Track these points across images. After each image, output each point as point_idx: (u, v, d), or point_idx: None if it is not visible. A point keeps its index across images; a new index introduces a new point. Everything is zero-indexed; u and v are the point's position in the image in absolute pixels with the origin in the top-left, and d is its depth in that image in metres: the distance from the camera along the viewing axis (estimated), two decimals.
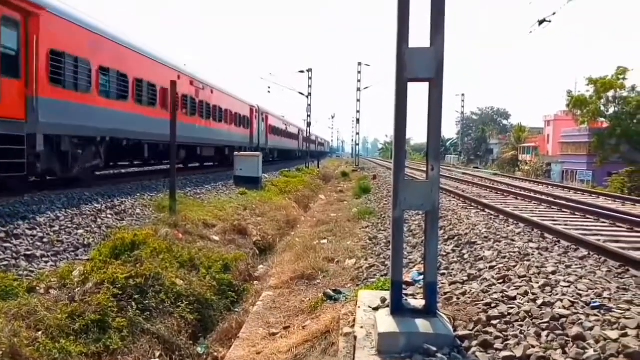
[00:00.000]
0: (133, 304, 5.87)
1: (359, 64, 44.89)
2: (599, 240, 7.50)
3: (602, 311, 4.05)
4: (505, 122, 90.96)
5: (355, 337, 4.17)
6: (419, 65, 3.98)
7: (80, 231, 8.39)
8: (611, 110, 39.51)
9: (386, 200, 15.50)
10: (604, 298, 4.41)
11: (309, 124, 45.54)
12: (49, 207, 9.12)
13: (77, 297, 5.59)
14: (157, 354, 5.55)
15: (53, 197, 9.87)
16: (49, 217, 8.48)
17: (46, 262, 6.94)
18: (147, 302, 6.07)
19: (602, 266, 6.05)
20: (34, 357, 4.45)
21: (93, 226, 8.89)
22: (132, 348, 5.36)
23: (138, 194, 12.35)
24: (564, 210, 11.97)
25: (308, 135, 47.67)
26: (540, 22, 21.59)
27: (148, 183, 14.45)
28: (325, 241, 10.51)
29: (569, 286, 4.78)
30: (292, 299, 7.04)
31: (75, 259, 7.28)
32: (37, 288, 5.82)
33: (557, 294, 4.53)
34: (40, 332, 4.83)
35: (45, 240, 7.54)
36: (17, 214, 8.15)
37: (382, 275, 6.69)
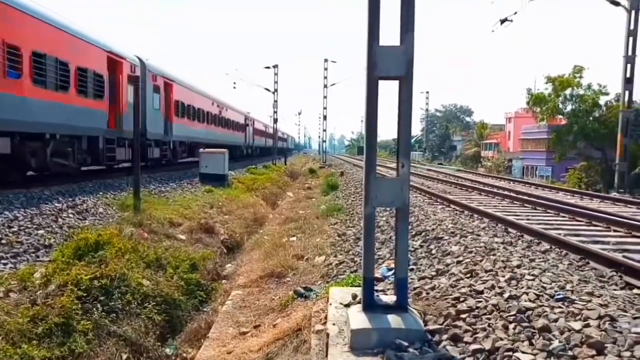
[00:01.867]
0: (98, 305, 5.73)
1: (326, 60, 45.04)
2: (559, 234, 7.76)
3: (565, 303, 4.18)
4: (468, 119, 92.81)
5: (327, 334, 4.18)
6: (390, 64, 4.00)
7: (41, 231, 8.10)
8: (569, 107, 40.75)
9: (354, 197, 15.60)
10: (567, 290, 4.56)
11: (275, 120, 45.39)
12: (6, 206, 8.77)
13: (39, 300, 5.40)
14: (124, 356, 5.43)
15: (11, 197, 9.50)
16: (7, 217, 8.16)
17: (5, 264, 6.67)
18: (112, 303, 5.93)
19: (563, 259, 6.27)
20: None
21: (54, 226, 8.60)
22: (98, 351, 5.23)
23: (100, 193, 12.02)
24: (525, 205, 12.32)
25: (275, 131, 47.49)
26: (502, 21, 22.14)
27: (110, 181, 14.07)
28: (294, 238, 10.49)
29: (533, 279, 4.91)
30: (262, 298, 7.01)
31: (36, 261, 7.02)
32: None
33: (522, 287, 4.66)
34: (0, 338, 4.64)
35: (3, 241, 7.25)
36: None
37: (352, 272, 6.72)
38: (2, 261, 6.73)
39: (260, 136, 51.70)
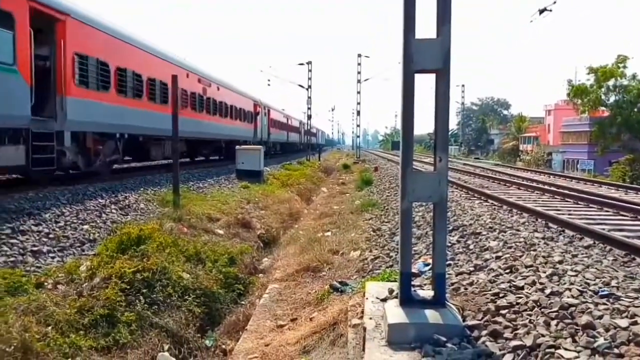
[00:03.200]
0: (141, 298, 5.90)
1: (359, 55, 44.77)
2: (603, 229, 7.52)
3: (610, 300, 4.06)
4: (505, 112, 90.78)
5: (364, 329, 4.19)
6: (426, 57, 3.96)
7: (86, 226, 8.41)
8: (612, 99, 39.40)
9: (388, 192, 15.53)
10: (612, 287, 4.43)
11: (309, 117, 45.55)
12: (53, 202, 9.12)
13: (85, 292, 5.61)
14: (166, 347, 5.58)
15: (57, 193, 9.87)
16: (54, 213, 8.49)
17: (53, 257, 6.96)
18: (154, 296, 6.10)
19: (607, 255, 6.08)
20: (45, 352, 4.47)
21: (98, 221, 8.90)
22: (141, 342, 5.38)
23: (141, 189, 12.36)
24: (567, 199, 11.99)
25: (309, 127, 47.64)
26: (541, 11, 21.50)
27: (151, 177, 14.45)
28: (329, 233, 10.53)
29: (576, 275, 4.79)
30: (298, 291, 7.07)
31: (81, 254, 7.30)
32: (45, 283, 5.83)
33: (565, 283, 4.54)
34: (50, 327, 4.84)
35: (51, 235, 7.56)
36: (23, 210, 8.16)
37: (387, 267, 6.71)
38: (50, 255, 7.02)
39: (279, 129, 41.66)
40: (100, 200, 10.15)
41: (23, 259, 6.56)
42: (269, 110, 36.75)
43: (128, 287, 5.91)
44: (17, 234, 7.15)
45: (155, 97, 15.75)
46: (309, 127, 48.69)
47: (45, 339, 4.61)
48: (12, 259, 6.42)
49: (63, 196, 9.76)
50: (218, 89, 23.07)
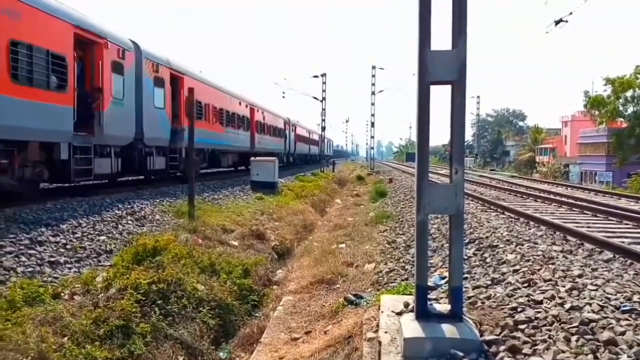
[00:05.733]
0: (156, 309, 5.90)
1: (373, 67, 44.95)
2: (623, 242, 7.37)
3: (633, 315, 3.97)
4: (521, 123, 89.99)
5: (379, 342, 4.14)
6: (442, 68, 3.95)
7: (102, 237, 8.48)
8: (630, 109, 38.89)
9: (403, 204, 15.44)
10: (634, 302, 4.32)
11: (323, 128, 45.68)
12: (70, 214, 9.23)
13: (101, 303, 5.64)
14: (180, 359, 5.58)
15: (75, 204, 10.00)
16: (71, 224, 8.58)
17: (70, 268, 7.02)
18: (169, 307, 6.10)
19: (628, 269, 5.94)
20: None
21: (114, 232, 8.98)
22: (156, 353, 5.39)
23: (157, 200, 12.46)
24: (585, 212, 11.79)
25: (322, 138, 47.76)
26: (557, 22, 21.40)
27: (166, 189, 14.57)
28: (343, 245, 10.48)
29: (596, 289, 4.70)
30: (313, 304, 7.02)
31: (98, 265, 7.36)
32: (62, 294, 5.88)
33: (585, 298, 4.45)
34: (66, 338, 4.87)
35: (68, 246, 7.64)
36: (41, 221, 8.27)
37: (402, 280, 6.65)
38: (67, 265, 7.08)
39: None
40: (116, 212, 10.25)
41: (41, 269, 6.63)
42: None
43: (143, 298, 5.93)
44: (35, 245, 7.24)
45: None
46: (322, 138, 48.86)
47: (62, 350, 4.64)
48: (30, 269, 6.49)
49: (80, 207, 9.88)
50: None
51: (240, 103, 25.27)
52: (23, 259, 6.68)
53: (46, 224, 8.21)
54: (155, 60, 14.94)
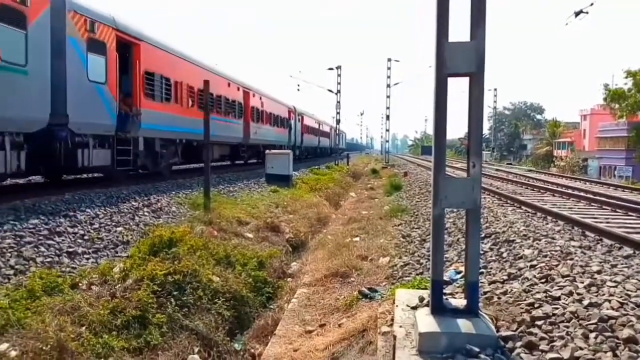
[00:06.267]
0: (172, 300, 5.97)
1: (389, 59, 44.54)
2: None
3: None
4: (539, 116, 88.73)
5: (394, 337, 4.13)
6: (460, 60, 3.90)
7: (119, 228, 8.58)
8: None
9: (418, 198, 15.35)
10: None
11: (338, 121, 45.55)
12: (88, 205, 9.35)
13: (118, 293, 5.71)
14: (196, 349, 5.62)
15: (92, 195, 10.12)
16: (89, 215, 8.70)
17: (87, 258, 7.13)
18: (185, 298, 6.16)
19: None
20: (79, 351, 4.56)
21: (131, 224, 9.08)
22: (172, 344, 5.44)
23: (173, 192, 12.56)
24: (604, 207, 11.60)
25: (337, 131, 47.63)
26: (577, 14, 20.96)
27: (182, 181, 14.69)
28: (357, 239, 10.46)
29: (615, 286, 4.61)
30: (327, 297, 7.03)
31: (115, 256, 7.46)
32: (80, 284, 5.97)
33: (603, 294, 4.38)
34: (84, 327, 4.94)
35: (86, 237, 7.74)
36: (59, 212, 8.39)
37: (417, 274, 6.61)
38: (85, 256, 7.19)
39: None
40: (133, 203, 10.36)
41: (59, 259, 6.74)
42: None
43: (159, 289, 6.00)
44: (54, 235, 7.36)
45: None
46: (337, 131, 48.71)
47: (80, 339, 4.71)
48: (49, 259, 6.61)
49: (98, 198, 10.00)
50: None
51: (229, 85, 20.58)
52: (42, 249, 6.80)
53: (64, 214, 8.33)
54: (90, 15, 10.71)
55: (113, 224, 8.72)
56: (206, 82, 12.26)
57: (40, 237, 7.09)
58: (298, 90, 52.54)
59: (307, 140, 40.65)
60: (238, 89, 21.95)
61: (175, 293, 6.12)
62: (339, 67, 41.70)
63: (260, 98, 25.62)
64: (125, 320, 5.27)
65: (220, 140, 19.45)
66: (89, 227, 8.20)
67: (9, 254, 6.32)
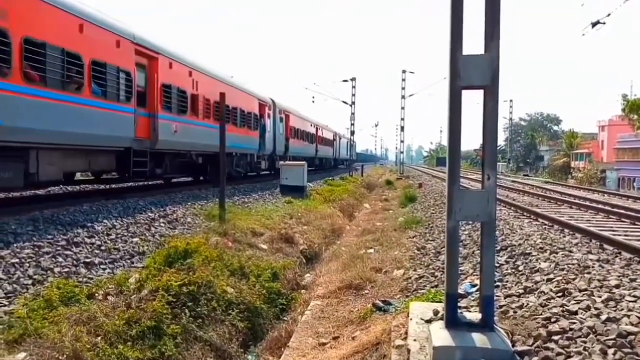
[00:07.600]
0: (186, 311, 6.00)
1: (403, 71, 44.60)
2: None
3: None
4: (555, 127, 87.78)
5: (408, 350, 4.10)
6: (474, 73, 3.90)
7: (135, 239, 8.67)
8: None
9: (433, 209, 15.26)
10: None
11: (352, 132, 45.62)
12: (105, 215, 9.48)
13: (134, 304, 5.75)
14: None
15: (110, 206, 10.26)
16: (106, 226, 8.80)
17: (104, 269, 7.20)
18: (199, 309, 6.19)
19: None
20: None
21: (147, 234, 9.17)
22: (186, 355, 5.47)
23: (189, 203, 12.66)
24: (623, 220, 11.41)
25: (352, 143, 47.65)
26: (594, 24, 20.80)
27: (198, 192, 14.80)
28: (371, 250, 10.43)
29: (635, 301, 4.53)
30: (341, 309, 7.00)
31: (131, 267, 7.52)
32: (96, 294, 6.03)
33: (622, 309, 4.30)
34: (99, 338, 4.99)
35: (102, 248, 7.84)
36: (77, 223, 8.52)
37: (432, 287, 6.56)
38: (102, 266, 7.27)
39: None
40: (149, 214, 10.46)
41: (76, 269, 6.82)
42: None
43: (174, 299, 6.03)
44: (72, 246, 7.46)
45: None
46: (351, 142, 48.68)
47: (95, 349, 4.75)
48: (66, 269, 6.69)
49: (115, 209, 10.13)
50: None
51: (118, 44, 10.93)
52: (60, 259, 6.89)
53: (82, 225, 8.45)
54: None
55: (129, 234, 8.82)
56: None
57: (58, 248, 7.20)
58: (313, 102, 52.73)
59: (296, 147, 29.89)
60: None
61: (189, 304, 6.15)
62: (353, 79, 41.86)
63: (190, 73, 14.66)
64: (140, 331, 5.30)
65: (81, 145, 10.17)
66: (106, 237, 8.29)
67: (28, 264, 6.42)
